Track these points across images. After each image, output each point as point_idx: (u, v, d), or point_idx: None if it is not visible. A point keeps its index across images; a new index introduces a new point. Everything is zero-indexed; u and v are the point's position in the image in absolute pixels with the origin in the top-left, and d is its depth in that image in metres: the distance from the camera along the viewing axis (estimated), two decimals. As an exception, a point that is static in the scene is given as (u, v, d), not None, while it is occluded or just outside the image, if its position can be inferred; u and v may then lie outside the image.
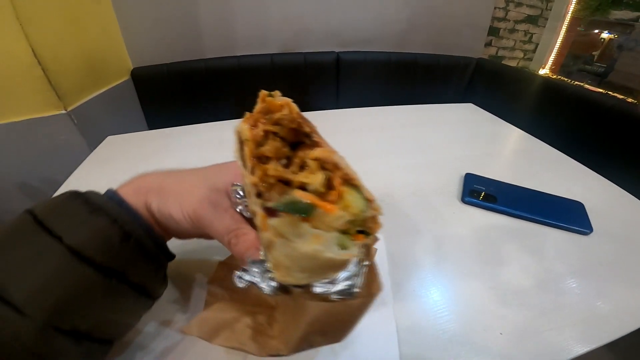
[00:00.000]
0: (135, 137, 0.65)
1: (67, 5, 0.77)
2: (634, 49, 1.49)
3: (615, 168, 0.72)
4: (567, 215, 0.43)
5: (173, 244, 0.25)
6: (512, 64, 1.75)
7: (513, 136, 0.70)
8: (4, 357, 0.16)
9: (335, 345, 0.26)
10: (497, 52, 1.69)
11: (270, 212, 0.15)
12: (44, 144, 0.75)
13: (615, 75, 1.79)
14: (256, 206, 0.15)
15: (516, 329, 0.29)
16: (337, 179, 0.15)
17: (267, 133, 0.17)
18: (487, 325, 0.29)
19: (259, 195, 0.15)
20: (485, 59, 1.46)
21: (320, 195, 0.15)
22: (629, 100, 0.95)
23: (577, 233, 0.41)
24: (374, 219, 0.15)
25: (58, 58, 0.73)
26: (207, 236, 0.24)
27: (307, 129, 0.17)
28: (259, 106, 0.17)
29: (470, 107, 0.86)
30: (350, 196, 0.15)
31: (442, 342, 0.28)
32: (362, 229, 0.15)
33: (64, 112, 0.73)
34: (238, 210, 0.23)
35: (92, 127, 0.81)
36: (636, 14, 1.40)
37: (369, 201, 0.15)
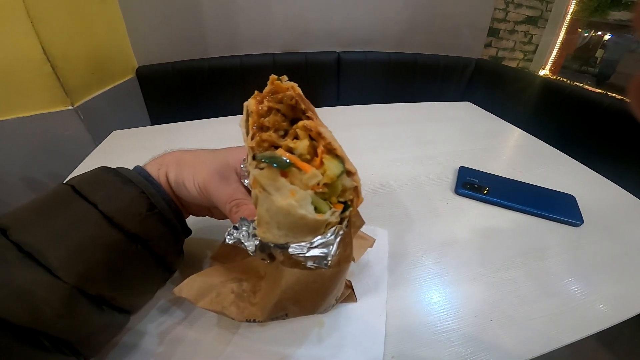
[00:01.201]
0: (139, 132, 0.66)
1: (76, 5, 0.79)
2: (635, 50, 1.50)
3: (611, 165, 0.73)
4: (558, 207, 0.44)
5: (188, 222, 0.27)
6: (512, 64, 1.76)
7: (508, 132, 0.71)
8: (36, 319, 0.17)
9: (322, 331, 0.27)
10: (497, 53, 1.70)
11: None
12: (51, 139, 0.77)
13: (617, 77, 1.79)
14: (251, 167, 0.16)
15: (506, 316, 0.30)
16: (321, 147, 0.17)
17: (270, 109, 0.19)
18: (478, 311, 0.30)
19: (254, 157, 0.17)
20: (484, 60, 1.47)
21: (306, 161, 0.16)
22: (627, 100, 0.96)
23: (568, 224, 0.42)
24: (356, 192, 0.17)
25: (67, 55, 0.75)
26: (215, 210, 0.26)
27: (302, 106, 0.19)
28: (267, 88, 0.19)
29: (467, 105, 0.87)
30: (330, 163, 0.16)
31: (433, 327, 0.29)
32: (344, 199, 0.17)
33: (71, 108, 0.76)
34: (245, 183, 0.25)
35: (97, 123, 0.83)
36: None
37: (350, 173, 0.17)
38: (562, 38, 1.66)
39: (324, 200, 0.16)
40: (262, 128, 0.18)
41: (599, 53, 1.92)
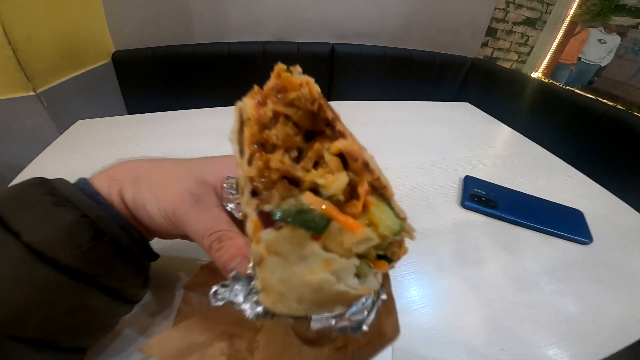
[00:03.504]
0: (109, 122, 0.59)
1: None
2: (623, 55, 1.52)
3: (605, 172, 0.72)
4: (566, 223, 0.41)
5: (154, 241, 0.22)
6: (506, 65, 1.75)
7: (510, 138, 0.68)
8: None
9: None
10: (492, 53, 1.69)
11: (267, 219, 0.11)
12: (9, 126, 0.69)
13: (600, 82, 1.82)
14: (249, 207, 0.11)
15: (517, 343, 0.28)
16: (364, 184, 0.11)
17: (277, 115, 0.13)
18: (489, 341, 0.28)
19: (255, 193, 0.11)
20: (480, 59, 1.46)
21: (338, 204, 0.11)
22: (619, 107, 0.96)
23: (577, 242, 0.39)
24: (399, 242, 0.12)
25: (31, 38, 0.67)
26: (187, 236, 0.20)
27: (329, 115, 0.13)
28: (272, 82, 0.13)
29: (466, 106, 0.84)
30: (380, 211, 0.11)
31: (438, 347, 0.26)
32: (384, 253, 0.12)
33: (32, 93, 0.68)
34: (228, 208, 0.19)
35: (64, 111, 0.75)
36: (636, 20, 1.42)
37: (401, 219, 0.12)
38: (559, 41, 1.67)
39: (362, 258, 0.11)
40: (264, 145, 0.12)
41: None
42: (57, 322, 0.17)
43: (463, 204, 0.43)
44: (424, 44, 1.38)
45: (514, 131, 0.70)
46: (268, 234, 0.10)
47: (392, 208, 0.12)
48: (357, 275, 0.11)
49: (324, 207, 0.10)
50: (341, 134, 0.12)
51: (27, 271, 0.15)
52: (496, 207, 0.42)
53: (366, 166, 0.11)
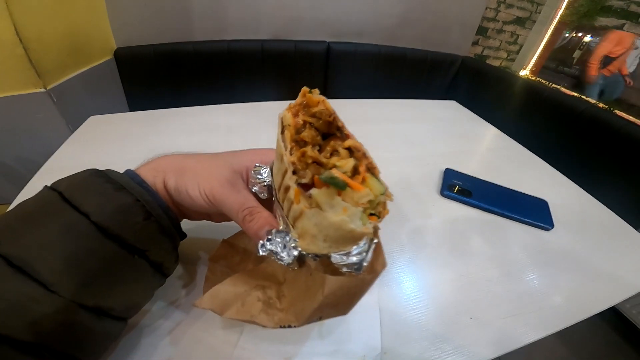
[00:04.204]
0: (119, 118, 0.63)
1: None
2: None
3: (580, 167, 0.78)
4: (532, 211, 0.47)
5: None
6: (495, 63, 1.80)
7: (491, 135, 0.74)
8: (36, 334, 0.17)
9: (322, 329, 0.29)
10: (482, 51, 1.73)
11: (304, 188, 0.17)
12: (21, 122, 0.72)
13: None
14: (291, 181, 0.17)
15: (483, 315, 0.32)
16: (363, 166, 0.18)
17: (305, 123, 0.19)
18: (459, 310, 0.33)
19: (294, 172, 0.17)
20: (470, 58, 1.50)
21: (349, 177, 0.17)
22: (600, 105, 1.02)
23: (540, 228, 0.45)
24: (384, 204, 0.18)
25: (41, 36, 0.70)
26: (219, 215, 0.26)
27: (339, 123, 0.20)
28: (299, 100, 0.20)
29: (453, 104, 0.89)
30: (372, 181, 0.18)
31: (419, 324, 0.31)
32: (374, 212, 0.18)
33: (43, 90, 0.71)
34: (253, 190, 0.25)
35: (71, 107, 0.78)
36: (622, 21, 1.47)
37: (384, 187, 0.18)
38: (547, 40, 1.71)
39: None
40: (297, 142, 0.19)
41: (577, 54, 1.98)
42: (117, 289, 0.20)
43: (442, 193, 0.48)
44: (417, 42, 1.42)
45: (496, 129, 0.76)
46: (315, 191, 0.16)
47: (378, 180, 0.18)
48: (361, 221, 0.17)
49: (344, 176, 0.17)
50: (347, 136, 0.19)
51: (98, 245, 0.19)
52: (470, 196, 0.47)
53: (364, 155, 0.18)
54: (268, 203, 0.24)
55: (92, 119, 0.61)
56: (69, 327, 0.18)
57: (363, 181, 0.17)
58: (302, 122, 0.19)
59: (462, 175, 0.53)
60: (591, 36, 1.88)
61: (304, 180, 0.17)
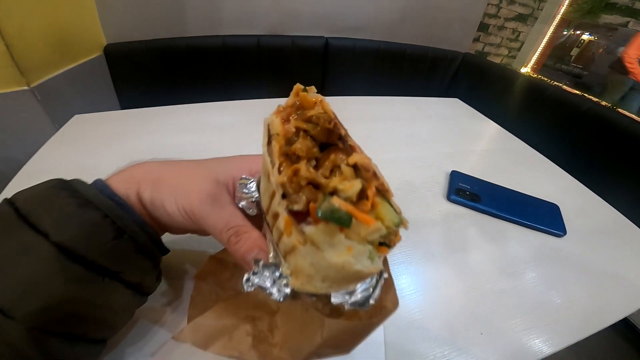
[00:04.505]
0: (105, 117, 0.60)
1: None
2: (613, 51, 1.55)
3: (586, 167, 0.76)
4: (543, 217, 0.44)
5: (164, 236, 0.24)
6: (496, 60, 1.78)
7: (496, 135, 0.71)
8: None
9: None
10: (483, 48, 1.71)
11: (296, 216, 0.14)
12: (4, 121, 0.68)
13: (589, 77, 1.86)
14: (280, 207, 0.14)
15: (495, 330, 0.31)
16: (372, 188, 0.14)
17: (298, 130, 0.15)
18: (469, 325, 0.30)
19: (284, 196, 0.14)
20: (471, 54, 1.48)
21: (352, 203, 0.14)
22: (603, 103, 1.00)
23: (552, 235, 0.43)
24: (395, 231, 0.15)
25: (23, 32, 0.66)
26: (202, 231, 0.22)
27: (342, 131, 0.16)
28: (291, 100, 0.16)
29: (456, 102, 0.87)
30: (384, 208, 0.14)
31: (426, 340, 0.29)
32: (384, 240, 0.15)
33: (26, 88, 0.67)
34: (240, 206, 0.21)
35: (58, 105, 0.75)
36: (626, 19, 1.45)
37: (398, 214, 0.15)
38: (549, 37, 1.69)
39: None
40: (288, 155, 0.15)
41: (574, 51, 1.97)
42: (86, 315, 0.18)
43: (449, 198, 0.46)
44: (417, 38, 1.39)
45: (500, 127, 0.73)
46: (309, 229, 0.13)
47: (391, 205, 0.15)
48: (370, 260, 0.14)
49: (348, 207, 0.13)
50: (352, 148, 0.15)
51: (59, 268, 0.16)
52: (479, 201, 0.45)
53: (374, 175, 0.14)
54: (258, 219, 0.21)
55: (77, 118, 0.58)
56: (35, 355, 0.16)
57: (372, 208, 0.14)
58: (294, 130, 0.15)
59: (469, 177, 0.50)
60: (590, 34, 1.87)
61: (296, 207, 0.13)
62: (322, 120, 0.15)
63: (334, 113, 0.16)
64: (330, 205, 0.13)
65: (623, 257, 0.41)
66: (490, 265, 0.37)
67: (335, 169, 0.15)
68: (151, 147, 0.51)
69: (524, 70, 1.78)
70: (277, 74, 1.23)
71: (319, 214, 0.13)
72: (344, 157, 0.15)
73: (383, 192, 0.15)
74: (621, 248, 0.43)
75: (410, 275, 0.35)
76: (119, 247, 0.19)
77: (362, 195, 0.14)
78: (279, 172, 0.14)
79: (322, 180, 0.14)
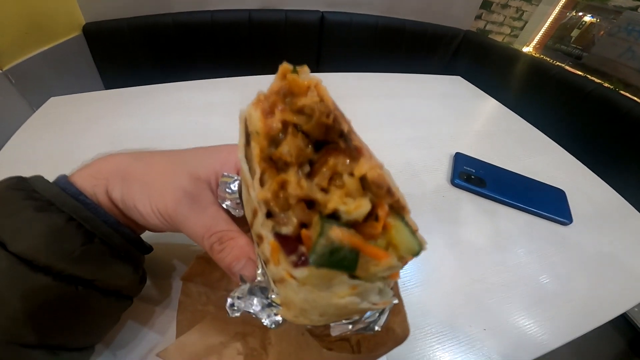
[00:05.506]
0: (85, 98, 0.55)
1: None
2: (615, 34, 1.50)
3: (590, 150, 0.74)
4: (549, 203, 0.43)
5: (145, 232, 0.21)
6: (498, 39, 1.72)
7: (501, 115, 0.68)
8: None
9: None
10: (485, 26, 1.64)
11: (287, 242, 0.11)
12: (-23, 107, 0.64)
13: (589, 58, 1.82)
14: (264, 229, 0.11)
15: (496, 321, 0.30)
16: (384, 207, 0.11)
17: (286, 125, 0.11)
18: (472, 320, 0.30)
19: (269, 214, 0.11)
20: (472, 32, 1.42)
21: (357, 225, 0.11)
22: (606, 85, 0.97)
23: (558, 223, 0.41)
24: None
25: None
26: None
27: (344, 127, 0.12)
28: (276, 84, 0.12)
29: (458, 80, 0.83)
30: (398, 232, 0.11)
31: (429, 336, 0.28)
32: None
33: (-1, 71, 0.63)
34: (224, 206, 0.18)
35: (35, 88, 0.70)
36: (636, 3, 1.39)
37: (414, 232, 0.12)
38: (553, 18, 1.63)
39: None
40: (273, 159, 0.11)
41: (575, 33, 1.93)
42: (61, 326, 0.16)
43: (453, 182, 0.44)
44: (417, 14, 1.32)
45: (504, 107, 0.70)
46: (300, 272, 0.10)
47: (409, 228, 0.11)
48: (379, 295, 0.11)
49: (353, 240, 0.10)
50: (358, 151, 0.11)
51: (21, 280, 0.15)
52: (484, 186, 0.43)
53: (389, 192, 0.11)
54: (245, 220, 0.18)
55: (54, 100, 0.54)
56: None
57: (384, 230, 0.11)
58: (280, 127, 0.11)
59: (473, 160, 0.48)
60: (591, 15, 1.81)
61: (284, 231, 0.11)
62: (318, 113, 0.11)
63: (333, 102, 0.12)
64: (329, 243, 0.10)
65: (627, 246, 0.40)
66: (493, 257, 0.36)
67: (335, 176, 0.11)
68: (133, 130, 0.47)
69: (525, 49, 1.72)
70: (269, 51, 1.17)
71: (313, 261, 0.10)
72: (347, 161, 0.11)
73: (398, 210, 0.11)
74: (629, 238, 0.41)
75: (413, 268, 0.33)
76: (90, 253, 0.16)
77: (371, 211, 0.11)
78: (262, 184, 0.11)
79: (318, 196, 0.11)
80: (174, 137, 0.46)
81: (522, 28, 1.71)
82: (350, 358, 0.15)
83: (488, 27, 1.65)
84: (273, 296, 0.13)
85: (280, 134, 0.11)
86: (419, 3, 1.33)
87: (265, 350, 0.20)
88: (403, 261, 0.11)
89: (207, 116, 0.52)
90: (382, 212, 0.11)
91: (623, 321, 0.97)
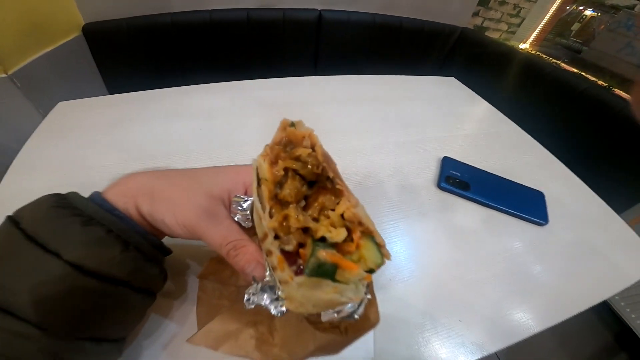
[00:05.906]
0: (90, 103, 0.57)
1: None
2: (615, 30, 1.51)
3: (578, 148, 0.76)
4: (527, 205, 0.46)
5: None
6: (495, 35, 1.72)
7: (491, 117, 0.71)
8: None
9: None
10: (482, 23, 1.65)
11: (287, 255, 0.16)
12: (-14, 110, 0.66)
13: (588, 52, 1.83)
14: (273, 247, 0.16)
15: (471, 313, 0.33)
16: (357, 232, 0.16)
17: (286, 170, 0.17)
18: (450, 312, 0.33)
19: (276, 237, 0.16)
20: (469, 29, 1.43)
21: (339, 245, 0.16)
22: (600, 83, 0.99)
23: (534, 224, 0.44)
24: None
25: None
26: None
27: (330, 174, 0.17)
28: (278, 135, 0.17)
29: (451, 81, 0.85)
30: (367, 250, 0.16)
31: (412, 328, 0.31)
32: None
33: (4, 75, 0.65)
34: (236, 219, 0.23)
35: (39, 90, 0.72)
36: (634, 2, 1.39)
37: (380, 247, 0.17)
38: (551, 14, 1.63)
39: None
40: (278, 197, 0.16)
41: (575, 26, 1.93)
42: (105, 320, 0.20)
43: (439, 185, 0.47)
44: (414, 11, 1.33)
45: (494, 109, 0.73)
46: (298, 279, 0.15)
47: (376, 244, 0.16)
48: (353, 293, 0.16)
49: (334, 258, 0.15)
50: (340, 192, 0.17)
51: (76, 284, 0.18)
52: (468, 189, 0.46)
53: (360, 223, 0.16)
54: (254, 230, 0.22)
55: (61, 105, 0.56)
56: (69, 356, 0.18)
57: (357, 248, 0.16)
58: (282, 173, 0.17)
59: (460, 164, 0.51)
60: (592, 10, 1.81)
61: (287, 248, 0.15)
62: (311, 165, 0.17)
63: (323, 153, 0.17)
64: (317, 261, 0.15)
65: (602, 245, 0.43)
66: (473, 255, 0.39)
67: (323, 208, 0.17)
68: (140, 134, 0.50)
69: (522, 46, 1.73)
70: (268, 49, 1.18)
71: (307, 272, 0.15)
72: (332, 198, 0.17)
73: (368, 233, 0.16)
74: (601, 236, 0.44)
75: (399, 263, 0.36)
76: (127, 259, 0.20)
77: (349, 235, 0.16)
78: (270, 216, 0.16)
79: (311, 225, 0.16)
80: (179, 142, 0.49)
81: (519, 25, 1.72)
82: (338, 338, 0.20)
83: (485, 24, 1.66)
84: (279, 292, 0.18)
85: (283, 179, 0.17)
86: (416, 0, 1.33)
87: (272, 335, 0.24)
88: (371, 270, 0.16)
89: (210, 121, 0.55)
90: (356, 236, 0.16)
91: (609, 314, 1.00)
